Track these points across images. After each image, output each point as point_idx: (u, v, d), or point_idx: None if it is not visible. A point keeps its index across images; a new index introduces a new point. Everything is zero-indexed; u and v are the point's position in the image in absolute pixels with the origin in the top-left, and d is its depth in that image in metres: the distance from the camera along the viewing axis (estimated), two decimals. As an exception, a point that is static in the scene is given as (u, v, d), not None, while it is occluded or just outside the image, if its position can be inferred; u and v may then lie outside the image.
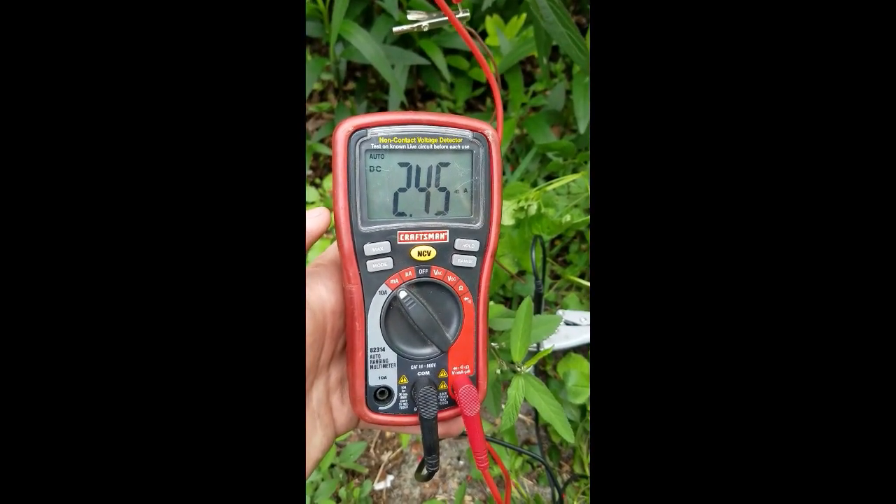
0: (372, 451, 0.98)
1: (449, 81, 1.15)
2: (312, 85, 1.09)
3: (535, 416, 0.92)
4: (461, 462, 0.95)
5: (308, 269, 0.36)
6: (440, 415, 0.35)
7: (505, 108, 1.19)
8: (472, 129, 0.34)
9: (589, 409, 0.83)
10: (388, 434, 0.99)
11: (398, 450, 0.98)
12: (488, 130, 0.35)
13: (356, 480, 0.93)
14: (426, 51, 1.04)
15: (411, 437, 0.96)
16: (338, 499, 0.91)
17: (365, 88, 1.19)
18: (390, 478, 0.96)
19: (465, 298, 0.35)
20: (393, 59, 0.98)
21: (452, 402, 0.36)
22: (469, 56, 1.14)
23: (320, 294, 0.34)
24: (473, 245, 0.35)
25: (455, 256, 0.35)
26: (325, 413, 0.36)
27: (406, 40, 1.09)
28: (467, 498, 0.92)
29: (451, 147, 0.34)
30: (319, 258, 0.37)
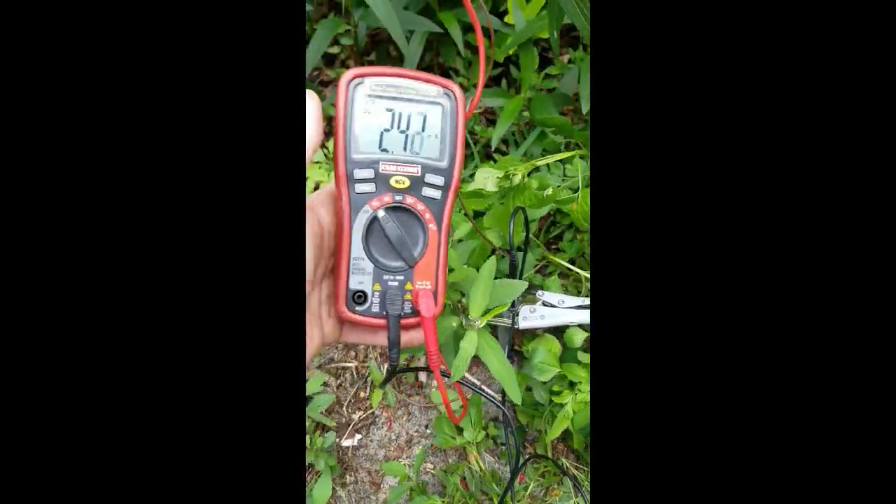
0: (344, 408, 0.99)
1: (465, 58, 1.15)
2: (326, 45, 1.10)
3: (503, 394, 0.92)
4: (428, 430, 0.95)
5: (312, 196, 0.43)
6: (403, 322, 0.43)
7: (516, 89, 1.18)
8: (443, 87, 0.43)
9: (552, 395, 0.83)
10: (361, 394, 1.00)
11: (369, 411, 0.99)
12: (455, 88, 0.43)
13: (321, 433, 0.95)
14: (444, 23, 1.04)
15: (381, 399, 0.97)
16: (302, 449, 0.92)
17: (385, 60, 1.20)
18: (358, 437, 0.97)
19: (431, 225, 0.43)
20: (406, 25, 0.98)
21: (415, 313, 0.43)
22: (489, 35, 1.13)
23: (321, 216, 0.42)
24: (439, 180, 0.43)
25: (424, 188, 0.43)
26: (316, 320, 0.43)
27: (428, 13, 1.09)
28: (428, 465, 0.92)
29: (426, 98, 0.43)
30: (321, 191, 0.45)
